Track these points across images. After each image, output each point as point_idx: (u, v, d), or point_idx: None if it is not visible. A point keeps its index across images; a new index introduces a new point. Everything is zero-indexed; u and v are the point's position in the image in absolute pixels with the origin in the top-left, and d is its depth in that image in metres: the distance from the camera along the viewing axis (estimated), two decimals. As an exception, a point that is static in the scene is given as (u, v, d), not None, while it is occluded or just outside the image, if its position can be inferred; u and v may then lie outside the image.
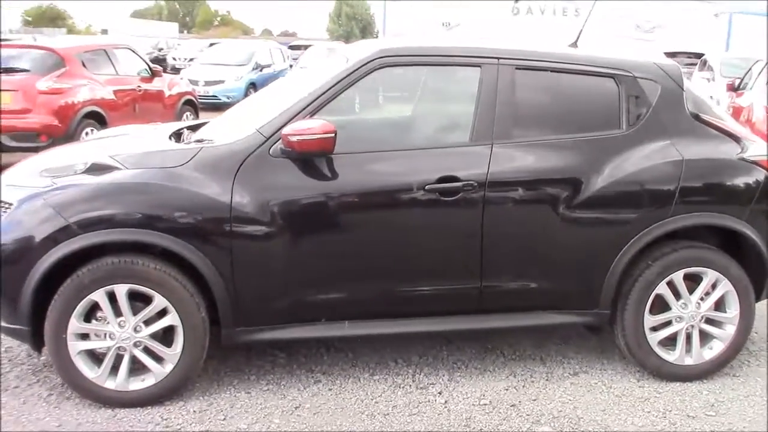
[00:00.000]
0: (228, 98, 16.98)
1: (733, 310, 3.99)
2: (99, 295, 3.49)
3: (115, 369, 3.60)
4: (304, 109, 3.66)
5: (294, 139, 3.47)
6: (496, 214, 3.71)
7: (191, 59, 25.20)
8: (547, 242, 3.78)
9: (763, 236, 3.95)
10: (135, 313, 3.55)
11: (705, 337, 4.05)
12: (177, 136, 4.18)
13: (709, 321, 4.02)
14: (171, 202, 3.49)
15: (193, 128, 4.39)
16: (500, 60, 3.84)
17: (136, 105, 10.38)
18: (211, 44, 27.03)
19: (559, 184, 3.76)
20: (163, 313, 3.57)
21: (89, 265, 3.48)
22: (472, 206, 3.68)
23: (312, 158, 3.58)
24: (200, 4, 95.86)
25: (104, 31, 61.84)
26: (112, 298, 3.51)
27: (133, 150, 3.82)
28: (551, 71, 3.94)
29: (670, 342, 4.01)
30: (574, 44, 4.44)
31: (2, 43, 10.45)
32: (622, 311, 3.92)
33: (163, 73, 11.44)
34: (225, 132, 3.87)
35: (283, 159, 3.58)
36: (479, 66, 3.83)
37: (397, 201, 3.65)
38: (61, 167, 3.70)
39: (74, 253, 3.43)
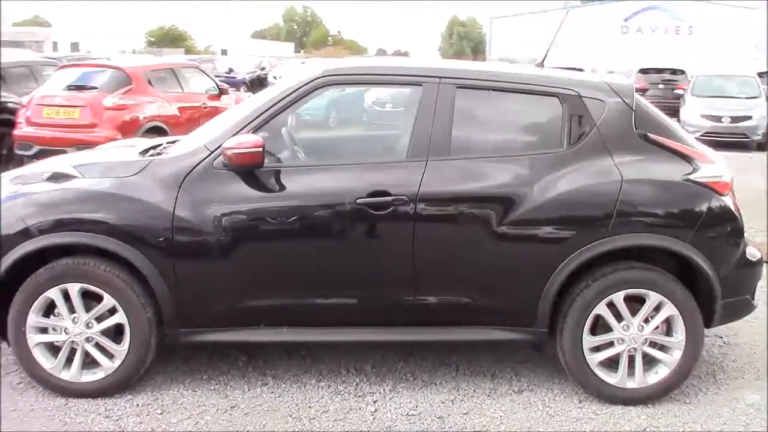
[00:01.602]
0: (309, 116, 17.44)
1: (679, 335, 3.90)
2: (54, 293, 3.81)
3: (70, 362, 3.91)
4: (247, 125, 3.88)
5: (229, 152, 3.70)
6: (427, 228, 3.81)
7: (287, 78, 25.93)
8: (480, 258, 3.83)
9: (710, 260, 3.86)
10: (88, 311, 3.86)
11: (652, 361, 3.97)
12: (152, 149, 4.48)
13: (655, 345, 3.95)
14: (119, 208, 3.78)
15: (172, 143, 4.69)
16: (441, 79, 3.94)
17: (201, 121, 10.91)
18: (303, 63, 27.82)
19: (492, 200, 3.82)
20: (113, 311, 3.85)
21: (47, 265, 3.81)
22: (402, 220, 3.78)
23: (252, 171, 3.80)
24: (316, 24, 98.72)
25: (224, 51, 64.74)
26: (68, 296, 3.83)
27: (94, 160, 4.15)
28: (493, 90, 4.00)
29: (614, 364, 3.97)
30: (540, 64, 4.49)
31: (77, 63, 11.26)
32: (561, 330, 3.92)
33: (230, 91, 11.98)
34: (182, 146, 4.14)
35: (225, 171, 3.81)
36: (420, 85, 3.95)
37: (330, 213, 3.80)
38: (29, 175, 4.08)
39: (32, 253, 3.77)
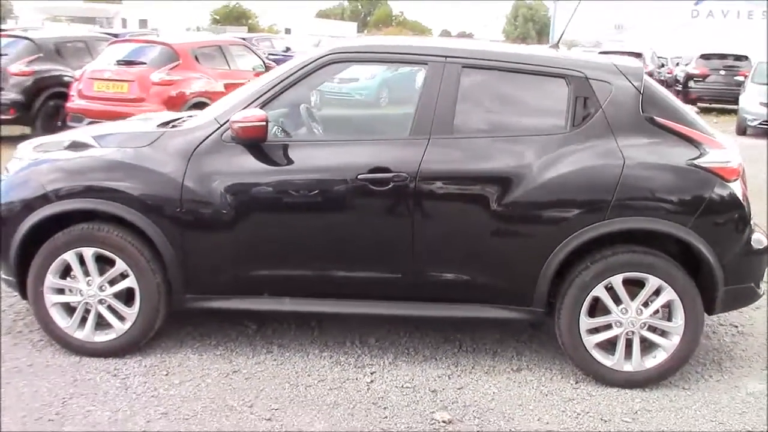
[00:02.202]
0: (361, 95, 17.56)
1: (678, 320, 3.88)
2: (70, 256, 4.01)
3: (84, 322, 4.11)
4: (256, 99, 4.00)
5: (236, 126, 3.82)
6: (427, 206, 3.86)
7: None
8: (479, 236, 3.88)
9: (712, 246, 3.82)
10: (102, 274, 4.04)
11: (651, 345, 3.97)
12: (172, 121, 4.63)
13: (654, 329, 3.94)
14: (131, 177, 3.94)
15: (191, 116, 4.84)
16: (447, 58, 3.98)
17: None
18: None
19: (491, 180, 3.85)
20: (124, 275, 4.03)
21: (65, 229, 4.00)
22: (402, 197, 3.85)
23: (259, 145, 3.91)
24: (381, 4, 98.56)
25: (287, 30, 65.21)
26: (83, 260, 4.02)
27: (111, 131, 4.32)
28: (499, 70, 4.02)
29: (613, 347, 3.97)
30: (556, 45, 4.48)
31: (129, 38, 11.57)
32: (559, 311, 3.94)
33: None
34: (196, 119, 4.27)
35: (233, 144, 3.93)
36: (426, 63, 3.99)
37: (332, 188, 3.89)
38: (51, 143, 4.28)
39: (49, 217, 3.97)
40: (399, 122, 4.31)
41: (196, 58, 10.44)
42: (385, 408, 3.71)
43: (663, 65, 23.20)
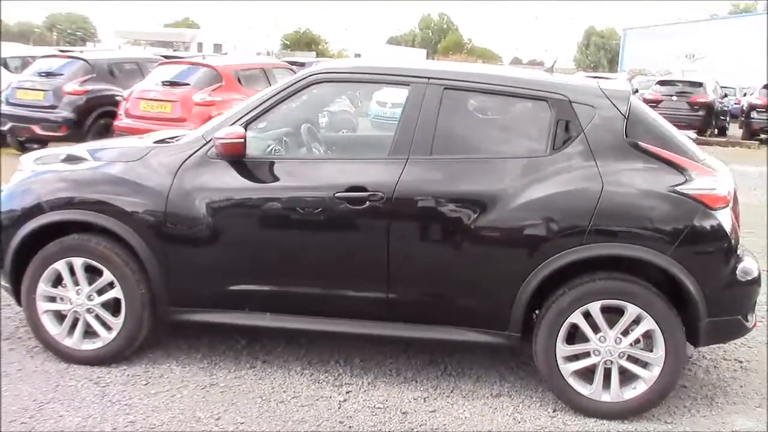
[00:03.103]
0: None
1: (659, 351, 3.76)
2: (61, 265, 4.14)
3: (73, 330, 4.23)
4: (242, 117, 4.08)
5: (218, 142, 3.91)
6: (402, 226, 3.87)
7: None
8: (454, 259, 3.85)
9: (694, 276, 3.70)
10: (91, 284, 4.16)
11: (633, 376, 3.85)
12: (171, 139, 4.75)
13: (634, 359, 3.82)
14: (119, 190, 4.07)
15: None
16: (430, 80, 3.99)
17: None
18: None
19: (467, 201, 3.82)
20: (112, 286, 4.14)
21: (57, 239, 4.15)
22: (378, 217, 3.86)
23: (243, 162, 3.99)
24: (452, 31, 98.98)
25: (357, 56, 66.13)
26: (73, 269, 4.15)
27: (106, 146, 4.47)
28: (481, 92, 4.01)
29: (592, 375, 3.87)
30: (550, 70, 4.45)
31: (175, 60, 11.93)
32: (536, 336, 3.87)
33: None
34: (188, 136, 4.38)
35: (217, 161, 4.01)
36: (408, 85, 4.01)
37: (310, 206, 3.93)
38: (49, 156, 4.45)
39: (42, 227, 4.12)
40: (380, 142, 4.32)
41: (239, 80, 10.68)
42: (350, 427, 3.70)
43: (726, 95, 22.58)
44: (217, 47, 64.42)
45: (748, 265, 3.85)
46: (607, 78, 18.60)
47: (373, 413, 3.85)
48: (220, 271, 4.05)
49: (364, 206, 3.85)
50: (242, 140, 3.87)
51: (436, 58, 74.44)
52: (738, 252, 3.83)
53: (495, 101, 4.03)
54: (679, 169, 3.80)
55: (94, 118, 11.24)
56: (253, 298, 4.08)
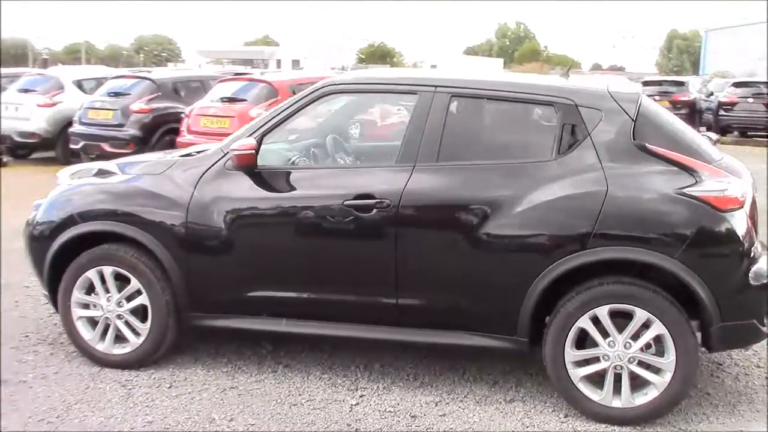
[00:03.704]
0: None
1: (670, 356, 3.70)
2: (92, 274, 4.38)
3: (105, 335, 4.45)
4: (257, 129, 4.23)
5: (233, 154, 4.07)
6: (409, 232, 3.93)
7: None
8: (461, 265, 3.89)
9: (704, 279, 3.63)
10: (120, 291, 4.38)
11: (644, 381, 3.80)
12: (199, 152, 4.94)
13: (646, 365, 3.77)
14: (143, 202, 4.28)
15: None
16: (437, 88, 4.05)
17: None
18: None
19: (473, 207, 3.86)
20: (139, 293, 4.35)
21: (90, 249, 4.39)
22: (385, 224, 3.93)
23: (260, 173, 4.15)
24: (528, 40, 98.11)
25: (433, 66, 66.41)
26: (104, 278, 4.37)
27: (134, 160, 4.69)
28: (488, 99, 4.05)
29: (602, 380, 3.84)
30: (566, 74, 4.45)
31: (234, 77, 12.28)
32: (545, 341, 3.87)
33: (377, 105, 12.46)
34: (210, 148, 4.56)
35: (234, 172, 4.18)
36: (415, 93, 4.08)
37: (321, 214, 4.04)
38: (83, 170, 4.70)
39: (75, 237, 4.36)
40: (390, 150, 4.37)
41: (294, 94, 10.89)
42: (356, 430, 3.77)
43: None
44: (295, 63, 65.80)
45: (762, 268, 3.75)
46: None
47: (383, 416, 3.91)
48: (237, 279, 4.19)
49: (371, 213, 3.93)
50: (253, 151, 4.01)
51: (511, 66, 73.97)
52: (752, 254, 3.73)
53: (502, 107, 4.05)
54: (689, 170, 3.74)
55: (159, 135, 11.70)
56: (269, 304, 4.21)
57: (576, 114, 3.87)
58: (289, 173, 4.20)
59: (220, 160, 4.23)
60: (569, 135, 3.86)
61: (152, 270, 4.28)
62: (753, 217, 3.83)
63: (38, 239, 4.50)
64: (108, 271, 4.35)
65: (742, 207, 3.73)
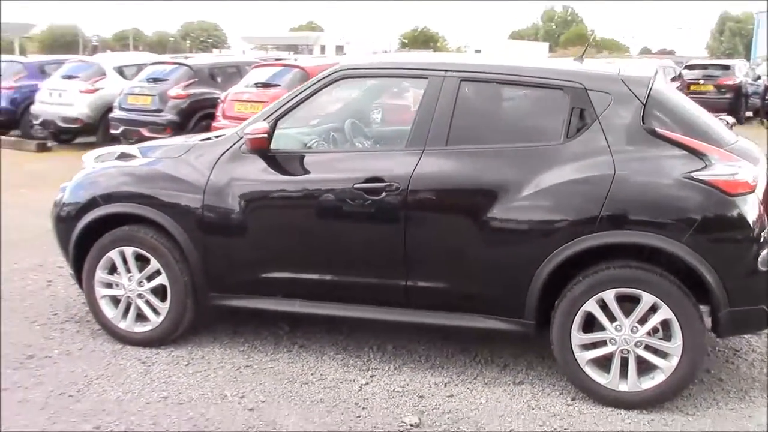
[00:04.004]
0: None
1: (677, 340, 3.70)
2: (114, 254, 4.52)
3: (127, 313, 4.60)
4: (272, 113, 4.31)
5: (247, 138, 4.16)
6: (418, 215, 3.98)
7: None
8: (469, 247, 3.92)
9: (711, 264, 3.61)
10: (141, 271, 4.52)
11: (651, 365, 3.80)
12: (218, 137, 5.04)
13: (654, 349, 3.77)
14: (162, 184, 4.40)
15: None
16: (447, 72, 4.08)
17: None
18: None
19: (480, 190, 3.89)
20: (159, 273, 4.47)
21: (112, 230, 4.53)
22: (394, 207, 3.98)
23: (273, 156, 4.23)
24: (576, 23, 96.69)
25: (477, 51, 66.00)
26: (125, 258, 4.51)
27: (156, 143, 4.81)
28: (497, 83, 4.06)
29: (609, 364, 3.85)
30: (580, 59, 4.44)
31: (268, 62, 12.40)
32: (552, 324, 3.89)
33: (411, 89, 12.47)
34: (227, 132, 4.66)
35: (249, 155, 4.27)
36: (426, 78, 4.12)
37: (333, 197, 4.11)
38: (107, 154, 4.84)
39: (98, 219, 4.50)
40: (401, 134, 4.41)
41: (328, 79, 10.97)
42: (363, 408, 3.85)
43: None
44: (339, 48, 65.91)
45: (773, 252, 3.71)
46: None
47: (391, 396, 3.98)
48: (252, 260, 4.29)
49: (380, 196, 3.99)
50: (266, 135, 4.09)
51: (556, 51, 73.03)
52: (762, 239, 3.69)
53: (511, 91, 4.07)
54: (698, 154, 3.71)
55: (196, 120, 11.89)
56: (284, 284, 4.30)
57: (585, 98, 3.86)
58: (302, 157, 4.28)
59: (235, 144, 4.33)
60: (578, 119, 3.85)
61: (171, 251, 4.40)
62: (763, 201, 3.78)
63: (64, 220, 4.66)
64: (129, 251, 4.48)
65: (753, 191, 3.70)
